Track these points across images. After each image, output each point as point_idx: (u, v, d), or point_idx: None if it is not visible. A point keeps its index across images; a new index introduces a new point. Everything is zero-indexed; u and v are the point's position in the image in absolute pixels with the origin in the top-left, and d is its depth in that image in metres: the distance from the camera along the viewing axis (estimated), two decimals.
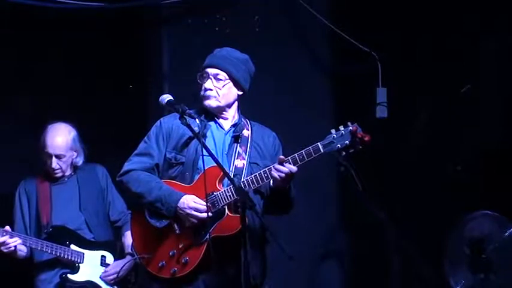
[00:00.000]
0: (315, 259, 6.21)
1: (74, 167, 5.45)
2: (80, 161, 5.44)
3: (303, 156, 4.19)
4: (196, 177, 4.33)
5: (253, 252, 4.20)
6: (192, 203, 4.23)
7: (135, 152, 4.47)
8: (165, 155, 4.41)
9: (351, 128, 4.16)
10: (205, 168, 4.23)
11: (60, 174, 5.39)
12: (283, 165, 4.19)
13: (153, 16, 6.14)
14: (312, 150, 4.18)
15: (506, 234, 5.47)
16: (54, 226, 5.28)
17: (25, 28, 5.93)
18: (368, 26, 6.22)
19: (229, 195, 4.23)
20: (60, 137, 5.33)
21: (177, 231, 4.29)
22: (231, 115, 4.47)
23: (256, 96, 5.93)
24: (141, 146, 4.47)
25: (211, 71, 4.40)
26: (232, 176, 4.26)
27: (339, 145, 4.16)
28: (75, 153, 5.41)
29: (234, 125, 4.46)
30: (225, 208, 4.25)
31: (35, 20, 5.81)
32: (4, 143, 5.95)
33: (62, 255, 5.23)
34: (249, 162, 4.39)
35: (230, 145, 4.40)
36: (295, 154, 4.20)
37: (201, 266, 4.24)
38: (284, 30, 6.24)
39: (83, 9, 5.78)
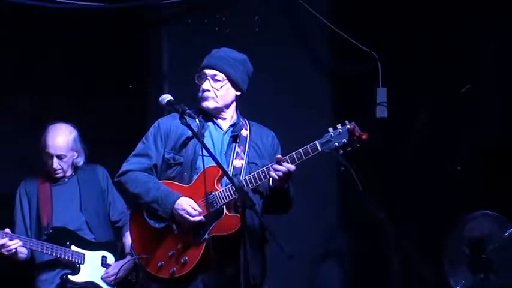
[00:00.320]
0: (314, 259, 6.21)
1: (75, 168, 5.45)
2: (80, 161, 5.44)
3: (301, 155, 4.19)
4: (195, 177, 4.33)
5: (253, 252, 4.18)
6: (186, 205, 4.24)
7: (133, 152, 4.46)
8: (164, 155, 4.40)
9: (348, 126, 4.16)
10: (204, 168, 4.25)
11: (61, 175, 5.39)
12: (281, 164, 4.19)
13: (153, 16, 6.14)
14: (309, 149, 4.18)
15: (506, 234, 5.47)
16: (54, 227, 5.27)
17: (25, 28, 5.93)
18: (368, 26, 6.22)
19: (228, 195, 4.23)
20: (61, 137, 5.33)
21: (176, 232, 4.29)
22: (229, 115, 4.47)
23: (256, 96, 5.94)
24: (139, 147, 4.47)
25: (209, 72, 4.40)
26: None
27: (336, 143, 4.17)
28: (76, 154, 5.40)
29: (232, 125, 4.46)
30: (223, 208, 4.25)
31: (35, 20, 5.81)
32: (4, 143, 5.95)
33: (62, 256, 5.23)
34: (248, 162, 4.39)
35: (228, 145, 4.40)
36: (293, 153, 4.20)
37: (200, 265, 4.24)
38: (284, 30, 6.24)
39: (83, 9, 5.78)
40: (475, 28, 6.06)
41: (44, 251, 5.19)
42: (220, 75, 4.39)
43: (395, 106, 6.35)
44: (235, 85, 4.43)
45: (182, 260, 4.26)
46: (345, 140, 4.15)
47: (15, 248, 5.13)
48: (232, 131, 4.44)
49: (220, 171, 4.24)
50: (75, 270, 5.28)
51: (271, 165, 4.22)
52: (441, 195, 5.98)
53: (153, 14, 6.13)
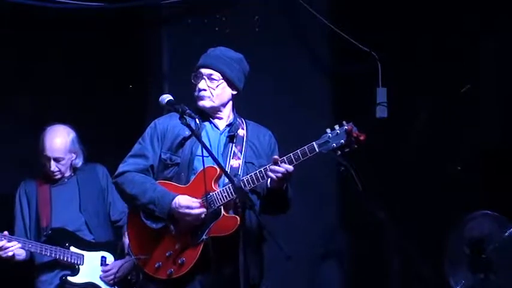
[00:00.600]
0: (314, 259, 6.21)
1: (74, 168, 5.44)
2: (79, 162, 5.43)
3: (298, 156, 4.18)
4: (192, 177, 4.32)
5: (250, 253, 4.19)
6: (184, 201, 4.22)
7: (130, 153, 4.45)
8: (160, 156, 4.39)
9: (346, 127, 4.15)
10: (202, 168, 4.24)
11: (59, 177, 5.38)
12: (279, 165, 4.18)
13: (153, 16, 6.14)
14: (307, 150, 4.18)
15: (506, 234, 5.46)
16: (53, 228, 5.27)
17: (25, 28, 5.93)
18: (368, 26, 6.22)
19: (225, 196, 4.22)
20: (59, 140, 5.31)
21: (173, 232, 4.28)
22: (226, 115, 4.46)
23: (256, 96, 5.95)
24: (136, 147, 4.46)
25: (205, 71, 4.39)
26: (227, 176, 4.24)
27: (334, 144, 4.15)
28: (74, 155, 5.39)
29: (229, 125, 4.45)
30: (221, 208, 4.24)
31: (35, 20, 5.81)
32: (4, 143, 5.95)
33: (61, 257, 5.22)
34: (245, 161, 4.37)
35: (225, 145, 4.39)
36: (291, 154, 4.19)
37: (197, 266, 4.23)
38: (284, 30, 6.24)
39: (83, 9, 5.78)
40: (475, 28, 6.06)
41: (43, 253, 5.19)
42: (216, 75, 4.38)
43: (395, 106, 6.36)
44: (231, 84, 4.42)
45: (179, 261, 4.25)
46: (342, 141, 4.14)
47: (13, 250, 5.13)
48: (229, 131, 4.43)
49: (218, 172, 4.24)
50: (75, 271, 5.28)
51: (268, 166, 4.21)
52: (441, 195, 5.98)
53: (153, 14, 6.13)
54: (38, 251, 5.19)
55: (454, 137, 6.13)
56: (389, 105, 6.37)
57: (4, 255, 5.13)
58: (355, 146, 4.16)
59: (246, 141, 4.42)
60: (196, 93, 4.41)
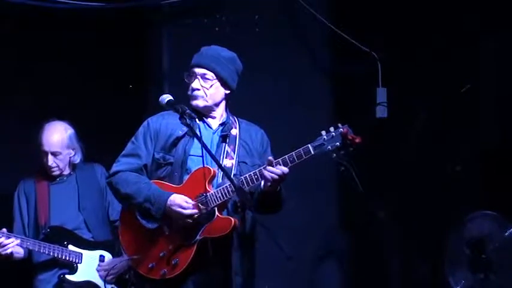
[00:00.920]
0: (314, 259, 6.21)
1: (73, 166, 5.44)
2: (77, 159, 5.43)
3: (294, 159, 4.17)
4: (186, 177, 4.31)
5: (243, 253, 4.23)
6: (179, 200, 4.21)
7: (123, 152, 4.44)
8: (153, 155, 4.38)
9: (341, 129, 4.14)
10: (196, 168, 4.25)
11: (57, 172, 5.38)
12: (274, 166, 4.16)
13: (153, 16, 6.14)
14: (302, 152, 4.16)
15: (506, 234, 5.47)
16: (51, 227, 5.27)
17: (25, 28, 5.93)
18: (368, 26, 6.22)
19: (220, 197, 4.20)
20: (56, 134, 5.33)
21: (167, 233, 4.27)
22: (219, 114, 4.44)
23: (256, 96, 5.96)
24: (129, 147, 4.44)
25: (198, 70, 4.38)
26: (221, 177, 4.25)
27: (329, 147, 4.14)
28: (73, 152, 5.40)
29: (221, 124, 4.44)
30: (215, 209, 4.22)
31: (35, 20, 5.81)
32: (4, 143, 5.95)
33: (59, 255, 5.22)
34: (238, 161, 4.36)
35: (218, 145, 4.37)
36: (286, 156, 4.17)
37: (191, 267, 4.21)
38: (284, 30, 6.24)
39: (83, 9, 5.78)
40: (475, 28, 6.06)
41: (41, 251, 5.19)
42: (210, 74, 4.36)
43: (395, 106, 6.35)
44: (224, 84, 4.40)
45: (173, 262, 4.24)
46: (338, 143, 4.14)
47: (11, 248, 5.13)
48: (221, 130, 4.41)
49: (212, 172, 4.23)
50: (73, 270, 5.27)
51: (263, 168, 4.19)
52: (441, 195, 5.98)
53: (153, 14, 6.13)
54: (36, 249, 5.19)
55: (454, 137, 6.13)
56: (389, 105, 6.37)
57: (3, 253, 5.13)
58: (351, 149, 4.16)
59: (238, 141, 4.41)
60: (189, 93, 4.40)
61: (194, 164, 4.30)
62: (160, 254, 4.27)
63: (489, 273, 5.50)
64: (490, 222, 5.52)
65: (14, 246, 5.14)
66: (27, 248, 5.23)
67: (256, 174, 4.20)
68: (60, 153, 5.33)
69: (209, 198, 4.22)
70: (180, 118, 4.24)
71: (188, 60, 4.59)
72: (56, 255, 5.22)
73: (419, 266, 5.85)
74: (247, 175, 4.22)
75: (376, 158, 5.94)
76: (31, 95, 6.01)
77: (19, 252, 5.24)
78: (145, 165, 4.39)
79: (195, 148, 4.33)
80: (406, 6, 6.11)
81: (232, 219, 4.20)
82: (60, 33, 6.00)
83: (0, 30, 5.84)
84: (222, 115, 4.46)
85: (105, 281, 5.26)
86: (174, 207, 4.21)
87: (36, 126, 5.43)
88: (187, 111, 4.29)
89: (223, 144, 4.39)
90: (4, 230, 5.15)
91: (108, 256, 5.38)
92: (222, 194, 4.21)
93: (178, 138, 4.35)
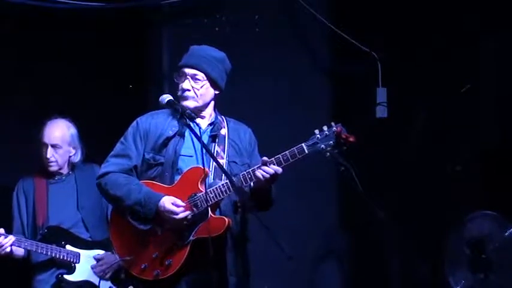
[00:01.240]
0: (314, 259, 6.21)
1: (72, 166, 5.45)
2: (77, 158, 5.42)
3: (287, 157, 4.17)
4: (177, 177, 4.29)
5: (237, 253, 4.24)
6: (169, 205, 4.19)
7: (112, 153, 4.41)
8: (143, 155, 4.36)
9: (334, 128, 4.15)
10: (187, 168, 4.24)
11: (55, 168, 5.37)
12: (268, 166, 4.16)
13: (153, 16, 6.14)
14: (296, 151, 4.17)
15: (506, 234, 5.47)
16: (49, 227, 5.27)
17: (25, 28, 5.93)
18: (368, 26, 6.22)
19: (212, 197, 4.19)
20: (58, 129, 5.35)
21: (160, 233, 4.25)
22: (208, 114, 4.43)
23: (256, 96, 5.96)
24: (118, 147, 4.41)
25: (189, 71, 4.36)
26: (212, 177, 4.24)
27: (323, 146, 4.16)
28: (73, 150, 5.40)
29: (210, 124, 4.42)
30: (208, 209, 4.20)
31: (35, 20, 5.81)
32: (4, 143, 5.95)
33: (57, 255, 5.22)
34: (228, 161, 4.35)
35: (208, 144, 4.35)
36: (279, 155, 4.17)
37: (184, 268, 4.20)
38: (284, 30, 6.24)
39: (83, 9, 5.78)
40: (475, 28, 6.06)
41: (39, 251, 5.19)
42: (200, 75, 4.34)
43: (395, 106, 6.36)
44: (214, 84, 4.39)
45: (167, 263, 4.22)
46: (331, 142, 4.15)
47: (10, 246, 5.13)
48: (211, 130, 4.40)
49: (204, 172, 4.22)
50: (71, 270, 5.27)
51: (257, 167, 4.18)
52: (441, 195, 5.98)
53: (153, 14, 6.13)
54: (34, 249, 5.19)
55: (454, 137, 6.13)
56: (389, 105, 6.37)
57: (2, 252, 5.13)
58: (345, 148, 4.16)
59: (227, 140, 4.40)
60: (179, 93, 4.37)
61: (185, 164, 4.29)
62: (153, 255, 4.25)
63: (489, 273, 5.50)
64: (490, 222, 5.52)
65: (10, 245, 5.13)
66: (25, 248, 5.23)
67: (250, 174, 4.20)
68: (61, 147, 5.33)
69: (202, 198, 4.21)
70: (180, 118, 4.24)
71: None
72: (53, 255, 5.21)
73: (419, 266, 5.84)
74: (240, 175, 4.22)
75: (376, 158, 5.95)
76: (31, 95, 6.01)
77: (19, 250, 5.24)
78: (135, 166, 4.36)
79: (186, 148, 4.33)
80: (406, 6, 6.11)
81: (226, 219, 4.20)
82: (60, 33, 6.00)
83: (0, 30, 5.84)
84: (210, 115, 4.45)
85: (101, 278, 5.26)
86: (165, 212, 4.19)
87: (36, 126, 5.44)
88: (188, 111, 4.28)
89: (213, 144, 4.38)
90: (2, 230, 5.15)
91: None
92: (215, 194, 4.19)
93: (169, 138, 4.33)
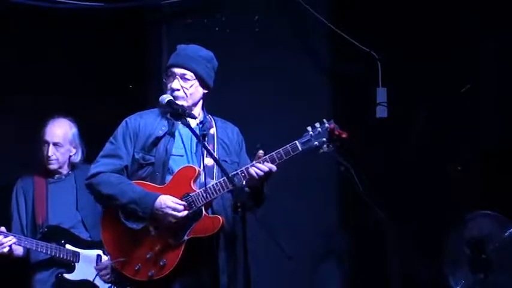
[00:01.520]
0: (314, 259, 6.21)
1: (72, 166, 5.45)
2: (77, 158, 5.43)
3: (281, 155, 4.17)
4: (168, 177, 4.28)
5: (231, 252, 4.25)
6: (170, 202, 4.18)
7: (102, 153, 4.38)
8: (133, 155, 4.34)
9: (327, 125, 4.16)
10: (179, 168, 4.24)
11: (55, 166, 5.36)
12: (262, 163, 4.16)
13: (153, 16, 6.14)
14: (290, 149, 4.17)
15: (506, 234, 5.47)
16: (49, 226, 5.27)
17: (25, 28, 5.93)
18: (368, 26, 6.22)
19: (206, 196, 4.19)
20: (60, 128, 5.36)
21: (153, 233, 4.24)
22: (197, 113, 4.40)
23: (256, 96, 5.96)
24: (108, 148, 4.39)
25: (178, 70, 4.35)
26: (203, 177, 4.23)
27: (316, 143, 4.16)
28: (74, 150, 5.40)
29: (199, 123, 4.40)
30: (202, 209, 4.21)
31: (35, 20, 5.81)
32: (4, 143, 5.95)
33: (57, 255, 5.22)
34: (219, 160, 4.33)
35: (198, 144, 4.33)
36: (273, 153, 4.18)
37: (178, 268, 4.19)
38: (284, 30, 6.24)
39: (83, 9, 5.79)
40: (475, 28, 6.06)
41: (39, 250, 5.19)
42: (189, 74, 4.34)
43: (395, 106, 6.35)
44: (203, 83, 4.38)
45: (161, 263, 4.21)
46: (324, 139, 4.16)
47: (10, 246, 5.13)
48: (200, 130, 4.38)
49: (196, 172, 4.22)
50: (71, 269, 5.27)
51: (250, 165, 4.18)
52: (441, 195, 5.98)
53: (153, 14, 6.13)
54: (34, 248, 5.19)
55: (454, 137, 6.13)
56: (389, 105, 6.37)
57: (1, 251, 5.13)
58: (338, 144, 4.16)
59: (217, 139, 4.40)
60: (169, 93, 4.35)
61: (176, 164, 4.28)
62: (147, 255, 4.23)
63: (489, 273, 5.50)
64: (490, 222, 5.52)
65: (11, 244, 5.13)
66: (25, 247, 5.23)
67: (244, 172, 4.19)
68: (62, 145, 5.34)
69: (195, 197, 4.20)
70: (180, 118, 4.23)
71: None
72: (53, 254, 5.21)
73: (419, 266, 5.84)
74: (233, 173, 4.20)
75: (376, 158, 5.94)
76: (31, 95, 6.01)
77: (19, 249, 5.25)
78: (126, 166, 4.34)
79: (177, 148, 4.32)
80: (406, 6, 6.11)
81: (220, 218, 4.20)
82: (60, 33, 6.00)
83: (0, 30, 5.84)
84: (199, 114, 4.43)
85: (105, 281, 5.26)
86: (165, 210, 4.18)
87: (36, 126, 5.44)
88: (187, 111, 4.28)
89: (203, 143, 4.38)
90: (3, 228, 5.15)
91: (105, 256, 5.37)
92: (208, 193, 4.18)
93: (159, 138, 4.32)
